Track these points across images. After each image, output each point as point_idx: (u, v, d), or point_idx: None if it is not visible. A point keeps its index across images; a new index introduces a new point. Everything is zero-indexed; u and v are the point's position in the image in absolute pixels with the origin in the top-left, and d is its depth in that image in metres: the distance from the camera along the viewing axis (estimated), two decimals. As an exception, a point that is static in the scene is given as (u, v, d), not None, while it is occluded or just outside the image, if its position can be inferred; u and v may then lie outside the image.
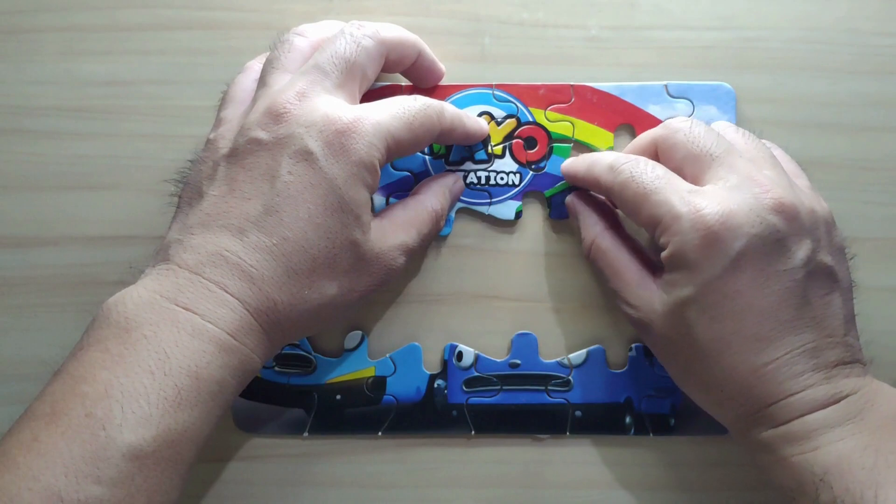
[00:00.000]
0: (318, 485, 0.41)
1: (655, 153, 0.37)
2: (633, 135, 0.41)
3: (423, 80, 0.40)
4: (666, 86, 0.40)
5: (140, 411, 0.29)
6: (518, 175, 0.41)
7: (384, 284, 0.36)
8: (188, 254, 0.32)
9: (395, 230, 0.37)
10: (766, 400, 0.33)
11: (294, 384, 0.41)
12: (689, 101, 0.40)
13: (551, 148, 0.41)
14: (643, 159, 0.36)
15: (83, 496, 0.27)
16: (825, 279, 0.34)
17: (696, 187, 0.34)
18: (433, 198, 0.39)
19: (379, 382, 0.41)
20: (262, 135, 0.33)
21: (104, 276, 0.41)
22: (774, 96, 0.41)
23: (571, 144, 0.41)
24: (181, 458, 0.30)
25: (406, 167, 0.41)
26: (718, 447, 0.41)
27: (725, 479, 0.41)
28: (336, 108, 0.34)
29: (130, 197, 0.41)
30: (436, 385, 0.41)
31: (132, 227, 0.41)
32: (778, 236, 0.33)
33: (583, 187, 0.40)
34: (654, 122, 0.40)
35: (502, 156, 0.41)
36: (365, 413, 0.41)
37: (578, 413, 0.41)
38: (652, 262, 0.37)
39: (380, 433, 0.41)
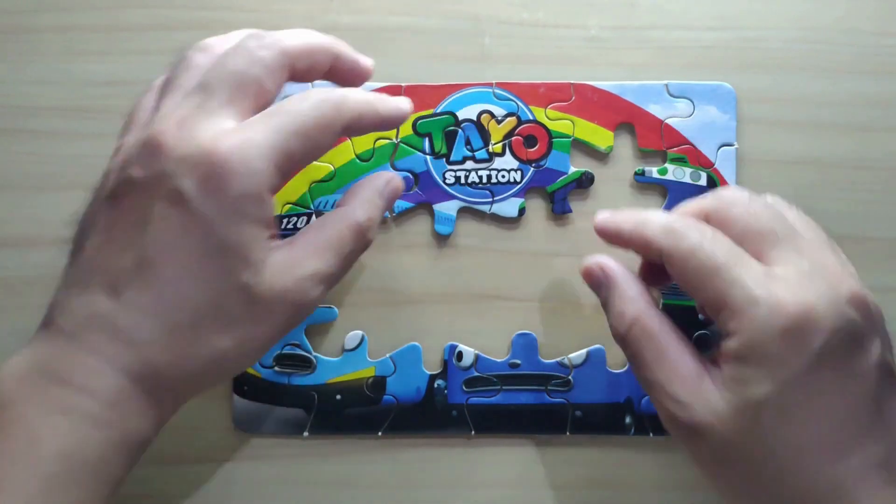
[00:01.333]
0: (318, 485, 0.41)
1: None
2: (634, 133, 0.41)
3: (346, 82, 0.35)
4: (666, 85, 0.41)
5: None
6: (519, 172, 0.41)
7: (296, 323, 0.33)
8: (64, 317, 0.30)
9: (305, 258, 0.32)
10: None
11: (294, 384, 0.41)
12: (689, 101, 0.40)
13: (551, 143, 0.41)
14: (708, 227, 0.32)
15: None
16: (890, 380, 0.31)
17: (770, 269, 0.31)
18: (359, 208, 0.34)
19: (379, 382, 0.41)
20: (136, 172, 0.30)
21: (104, 276, 0.41)
22: (774, 96, 0.41)
23: (570, 139, 0.41)
24: None
25: (406, 167, 0.41)
26: (719, 447, 0.41)
27: (726, 480, 0.41)
28: (215, 136, 0.30)
29: (130, 197, 0.41)
30: (436, 385, 0.41)
31: (132, 227, 0.41)
32: (857, 332, 0.30)
33: (619, 247, 0.35)
34: (655, 120, 0.40)
35: (502, 153, 0.41)
36: (365, 413, 0.41)
37: (578, 413, 0.40)
38: (698, 351, 0.33)
39: (380, 433, 0.41)
